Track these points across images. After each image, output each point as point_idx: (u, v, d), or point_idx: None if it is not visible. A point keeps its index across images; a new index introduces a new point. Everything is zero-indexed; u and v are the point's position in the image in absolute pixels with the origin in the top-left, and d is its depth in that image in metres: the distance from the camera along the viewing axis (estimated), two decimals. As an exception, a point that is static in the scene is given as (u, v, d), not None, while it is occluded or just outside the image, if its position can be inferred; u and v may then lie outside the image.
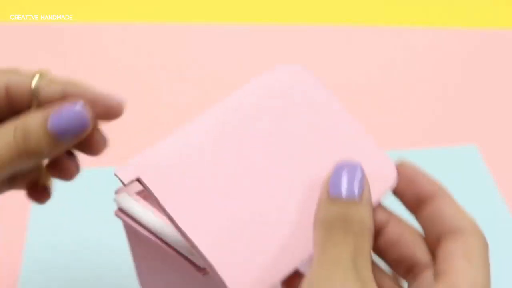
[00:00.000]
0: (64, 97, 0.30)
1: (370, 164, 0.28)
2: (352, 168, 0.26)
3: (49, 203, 0.51)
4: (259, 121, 0.28)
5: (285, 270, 0.26)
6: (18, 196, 0.51)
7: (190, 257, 0.30)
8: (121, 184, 0.33)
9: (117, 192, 0.33)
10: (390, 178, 0.28)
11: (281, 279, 0.26)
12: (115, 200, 0.32)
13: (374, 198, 0.28)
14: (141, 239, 0.33)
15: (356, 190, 0.26)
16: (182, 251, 0.30)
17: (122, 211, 0.32)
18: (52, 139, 0.29)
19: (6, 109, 0.31)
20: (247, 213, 0.27)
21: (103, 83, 0.64)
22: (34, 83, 0.30)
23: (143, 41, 0.69)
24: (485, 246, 0.26)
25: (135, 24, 0.71)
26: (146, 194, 0.33)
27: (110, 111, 0.30)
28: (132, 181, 0.27)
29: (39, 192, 0.35)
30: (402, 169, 0.28)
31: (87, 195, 0.51)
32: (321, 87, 0.29)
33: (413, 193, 0.28)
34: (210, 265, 0.26)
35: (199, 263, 0.29)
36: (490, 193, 0.54)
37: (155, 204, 0.32)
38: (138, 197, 0.32)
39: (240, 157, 0.27)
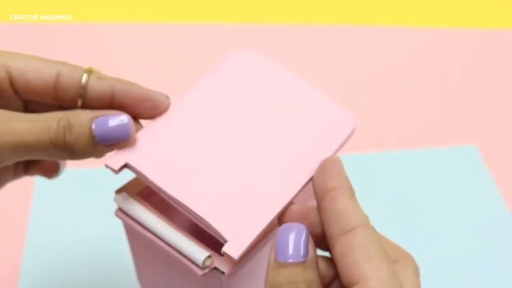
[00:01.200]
0: (112, 95, 0.31)
1: (328, 116, 0.32)
2: (296, 231, 0.27)
3: (49, 203, 0.51)
4: (231, 102, 0.32)
5: (270, 216, 0.29)
6: (18, 196, 0.51)
7: (190, 256, 0.30)
8: (120, 185, 0.33)
9: (117, 192, 0.33)
10: (349, 124, 0.31)
11: (269, 220, 0.29)
12: (115, 200, 0.32)
13: (336, 143, 0.31)
14: (141, 240, 0.33)
15: (301, 253, 0.27)
16: (182, 250, 0.30)
17: (122, 211, 0.32)
18: (92, 140, 0.29)
19: (52, 97, 0.32)
20: (227, 169, 0.30)
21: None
22: (84, 78, 0.31)
23: (143, 41, 0.69)
24: (375, 236, 0.27)
25: (135, 24, 0.71)
26: (146, 194, 0.33)
27: (157, 107, 0.32)
28: (122, 168, 0.30)
29: (49, 168, 0.36)
30: (324, 161, 0.30)
31: (87, 195, 0.51)
32: (277, 66, 0.33)
33: (320, 183, 0.29)
34: (205, 222, 0.29)
35: (200, 262, 0.29)
36: (490, 193, 0.54)
37: (153, 201, 0.32)
38: (138, 197, 0.32)
39: (215, 131, 0.31)
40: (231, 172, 0.30)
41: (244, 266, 0.31)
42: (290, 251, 0.27)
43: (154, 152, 0.30)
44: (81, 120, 0.29)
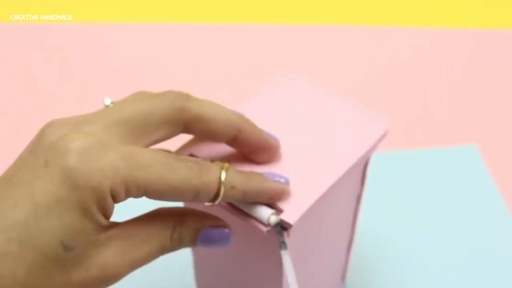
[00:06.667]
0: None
1: (362, 121, 0.36)
2: None
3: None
4: (279, 111, 0.37)
5: (319, 192, 0.32)
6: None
7: (256, 214, 0.31)
8: None
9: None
10: (381, 127, 0.36)
11: (316, 198, 0.32)
12: None
13: (369, 144, 0.35)
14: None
15: None
16: (247, 209, 0.31)
17: None
18: (195, 247, 0.31)
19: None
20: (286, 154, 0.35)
21: (103, 83, 0.64)
22: (222, 193, 0.29)
23: (143, 41, 0.69)
24: None
25: (135, 24, 0.71)
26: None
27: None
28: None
29: None
30: None
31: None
32: (318, 85, 0.39)
33: None
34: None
35: (265, 219, 0.31)
36: (490, 193, 0.54)
37: None
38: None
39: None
40: (283, 156, 0.34)
41: (304, 228, 0.34)
42: None
43: None
44: (190, 234, 0.30)
